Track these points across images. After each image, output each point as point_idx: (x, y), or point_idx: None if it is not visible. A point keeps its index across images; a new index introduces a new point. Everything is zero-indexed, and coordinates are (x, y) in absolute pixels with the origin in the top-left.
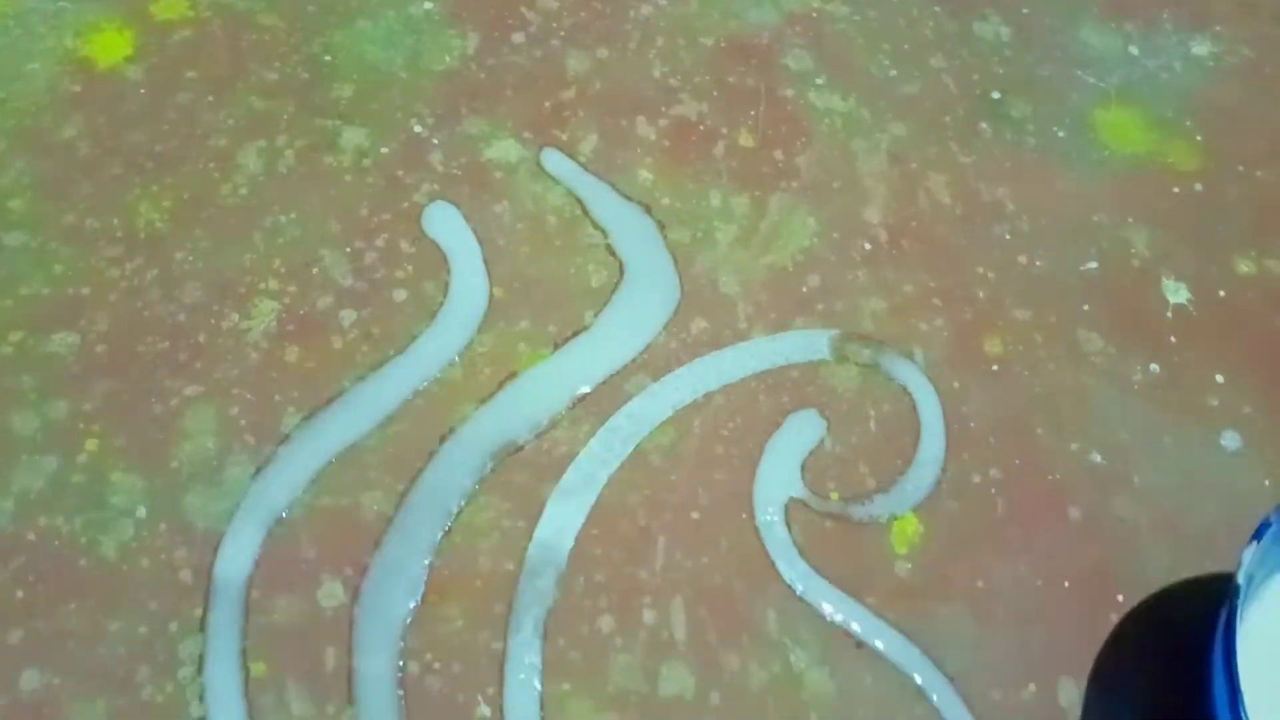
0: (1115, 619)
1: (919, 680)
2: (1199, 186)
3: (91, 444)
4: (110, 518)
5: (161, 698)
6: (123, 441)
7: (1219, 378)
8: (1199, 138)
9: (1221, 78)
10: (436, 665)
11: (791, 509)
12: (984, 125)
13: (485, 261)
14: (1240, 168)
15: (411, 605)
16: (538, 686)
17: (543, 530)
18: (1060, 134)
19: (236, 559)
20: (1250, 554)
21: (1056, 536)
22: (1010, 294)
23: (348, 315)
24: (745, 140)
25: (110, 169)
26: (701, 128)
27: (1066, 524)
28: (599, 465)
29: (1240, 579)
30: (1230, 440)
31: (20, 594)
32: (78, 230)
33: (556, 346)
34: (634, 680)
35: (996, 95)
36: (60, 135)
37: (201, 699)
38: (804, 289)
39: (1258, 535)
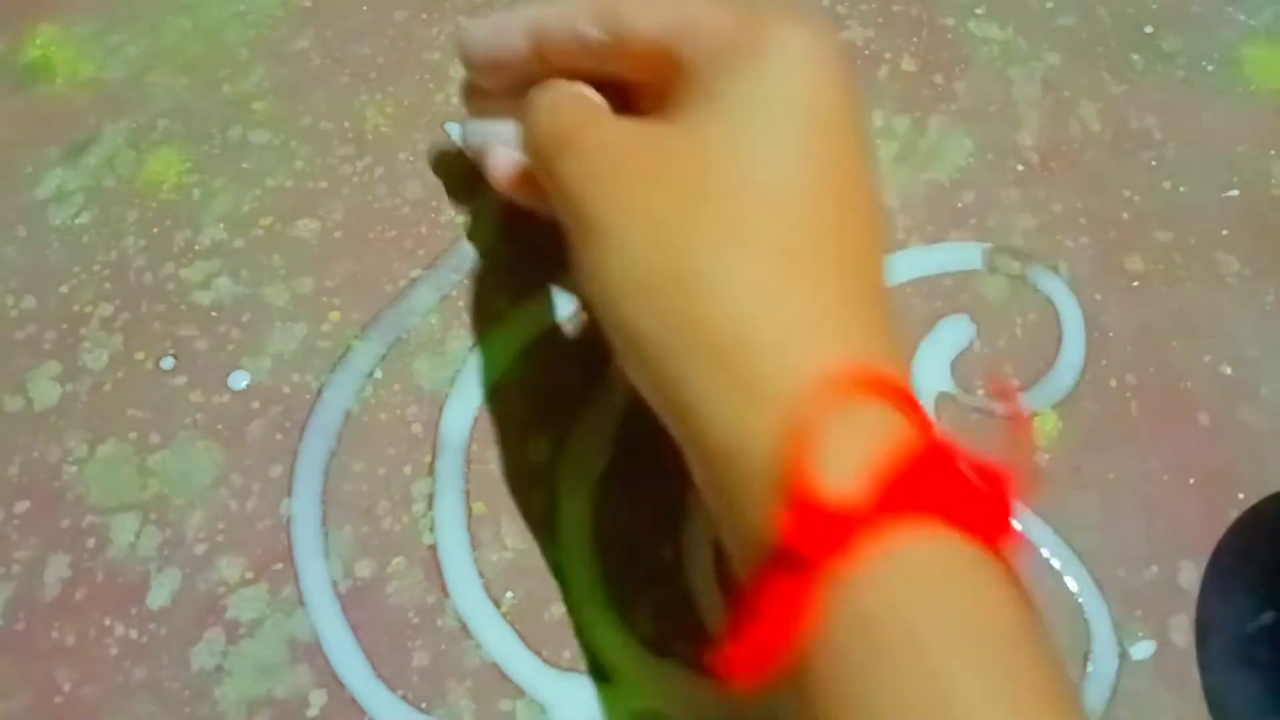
0: (1235, 514)
1: (1050, 556)
2: None
3: (334, 315)
4: (352, 377)
5: (399, 527)
6: (360, 314)
7: None
8: None
9: None
10: (626, 514)
11: (940, 402)
12: (1135, 57)
13: None
14: None
15: (604, 463)
16: (711, 537)
17: None
18: (1209, 68)
19: (459, 417)
20: None
21: (1185, 438)
22: (1153, 216)
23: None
24: (908, 65)
25: (339, 77)
26: (867, 52)
27: (1195, 427)
28: None
29: None
30: None
31: (279, 436)
32: (313, 131)
33: None
34: None
35: (1149, 29)
36: (294, 46)
37: (432, 530)
38: (959, 204)
39: None
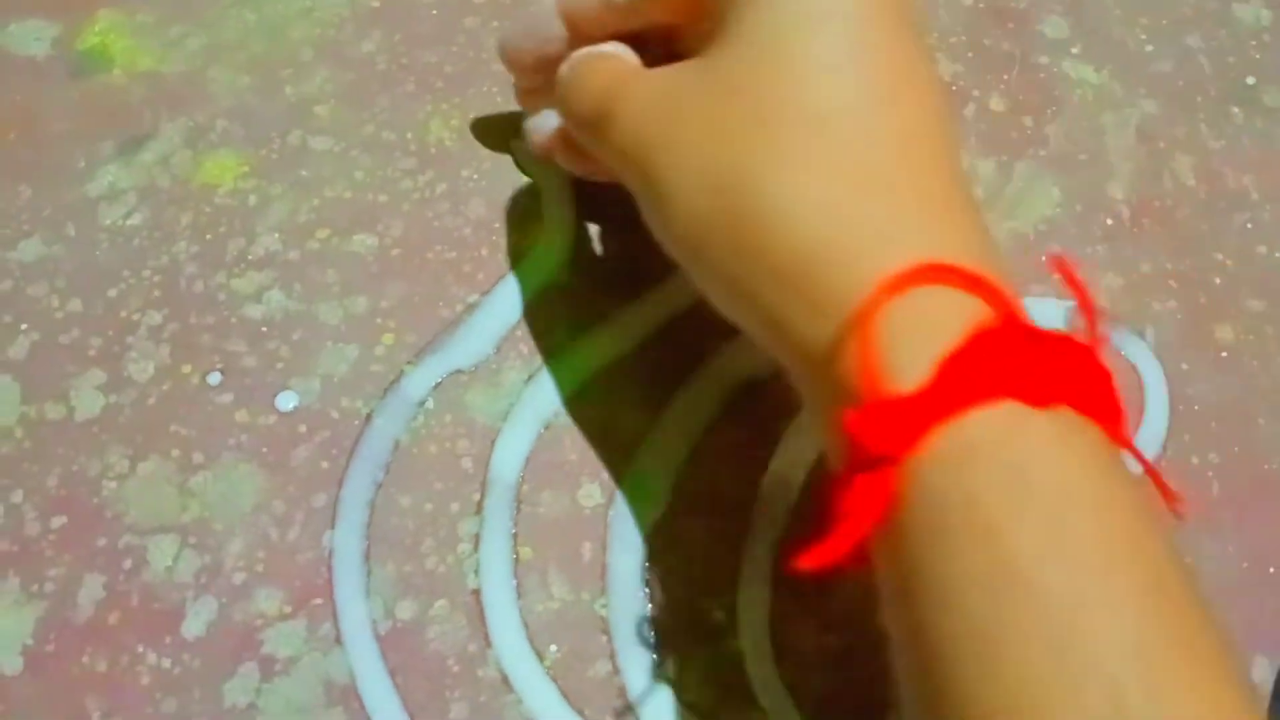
0: None
1: None
2: None
3: (388, 338)
4: (402, 405)
5: (443, 568)
6: (414, 339)
7: None
8: None
9: None
10: (678, 570)
11: None
12: (1235, 110)
13: None
14: None
15: (658, 513)
16: (767, 600)
17: (777, 462)
18: None
19: (510, 454)
20: None
21: (1268, 523)
22: (1247, 283)
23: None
24: (996, 105)
25: (405, 85)
26: (954, 88)
27: (1279, 513)
28: None
29: None
30: None
31: (325, 464)
32: (376, 141)
33: None
34: (856, 607)
35: (1251, 80)
36: (360, 49)
37: (477, 573)
38: (1043, 258)
39: None
